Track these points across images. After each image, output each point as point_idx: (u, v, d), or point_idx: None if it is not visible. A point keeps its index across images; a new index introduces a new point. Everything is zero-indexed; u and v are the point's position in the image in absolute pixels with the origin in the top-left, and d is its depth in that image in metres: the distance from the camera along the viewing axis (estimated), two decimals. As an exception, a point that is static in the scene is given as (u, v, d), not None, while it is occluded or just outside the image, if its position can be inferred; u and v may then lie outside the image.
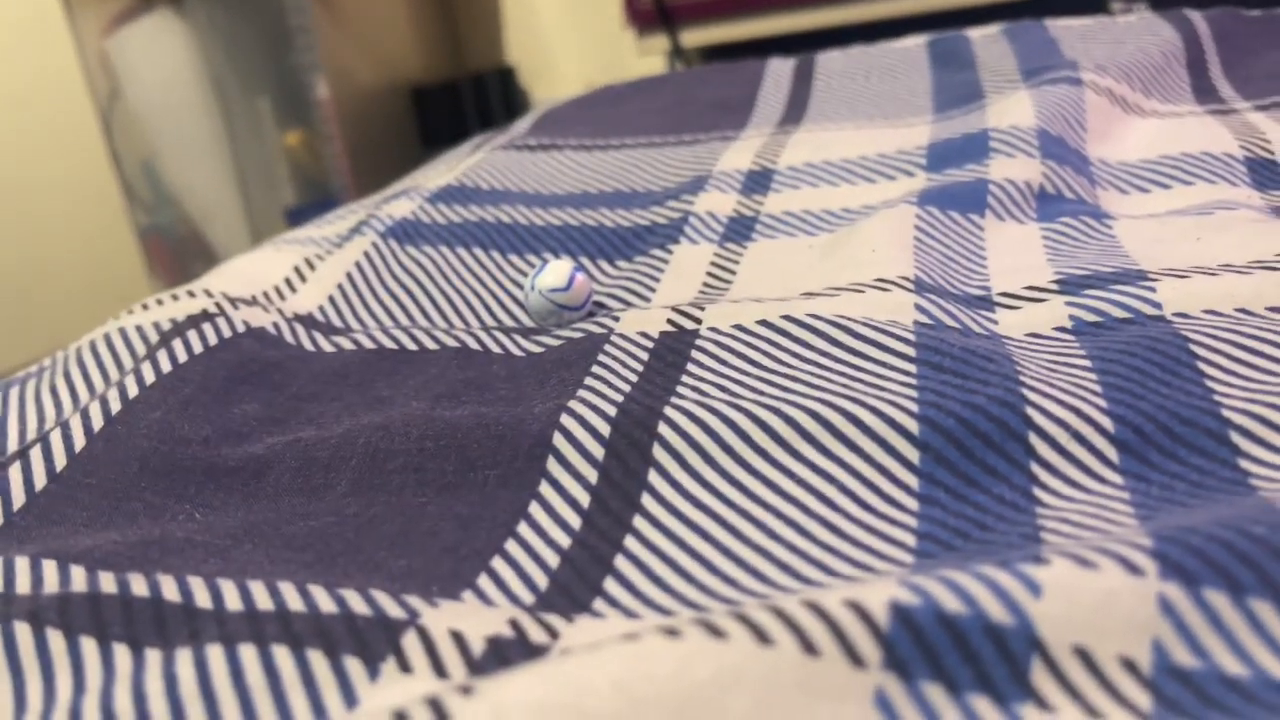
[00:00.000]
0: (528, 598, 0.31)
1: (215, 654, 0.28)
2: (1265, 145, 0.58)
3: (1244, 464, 0.32)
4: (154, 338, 0.48)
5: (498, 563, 0.33)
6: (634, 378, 0.41)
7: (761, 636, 0.24)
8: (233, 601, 0.30)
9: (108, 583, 0.32)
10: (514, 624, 0.29)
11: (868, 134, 0.70)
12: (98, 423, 0.41)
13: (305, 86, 1.80)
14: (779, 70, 0.92)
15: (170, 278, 1.86)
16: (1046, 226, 0.52)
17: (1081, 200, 0.56)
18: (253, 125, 1.84)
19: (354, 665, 0.27)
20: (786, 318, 0.43)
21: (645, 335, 0.44)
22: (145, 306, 0.51)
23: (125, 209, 1.83)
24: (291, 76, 1.81)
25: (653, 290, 0.53)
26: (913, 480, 0.33)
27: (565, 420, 0.38)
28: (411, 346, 0.48)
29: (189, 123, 1.80)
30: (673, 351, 0.43)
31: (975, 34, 0.89)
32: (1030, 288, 0.45)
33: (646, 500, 0.35)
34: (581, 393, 0.40)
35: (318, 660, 0.27)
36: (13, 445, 0.44)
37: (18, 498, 0.37)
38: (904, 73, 0.84)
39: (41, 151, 1.87)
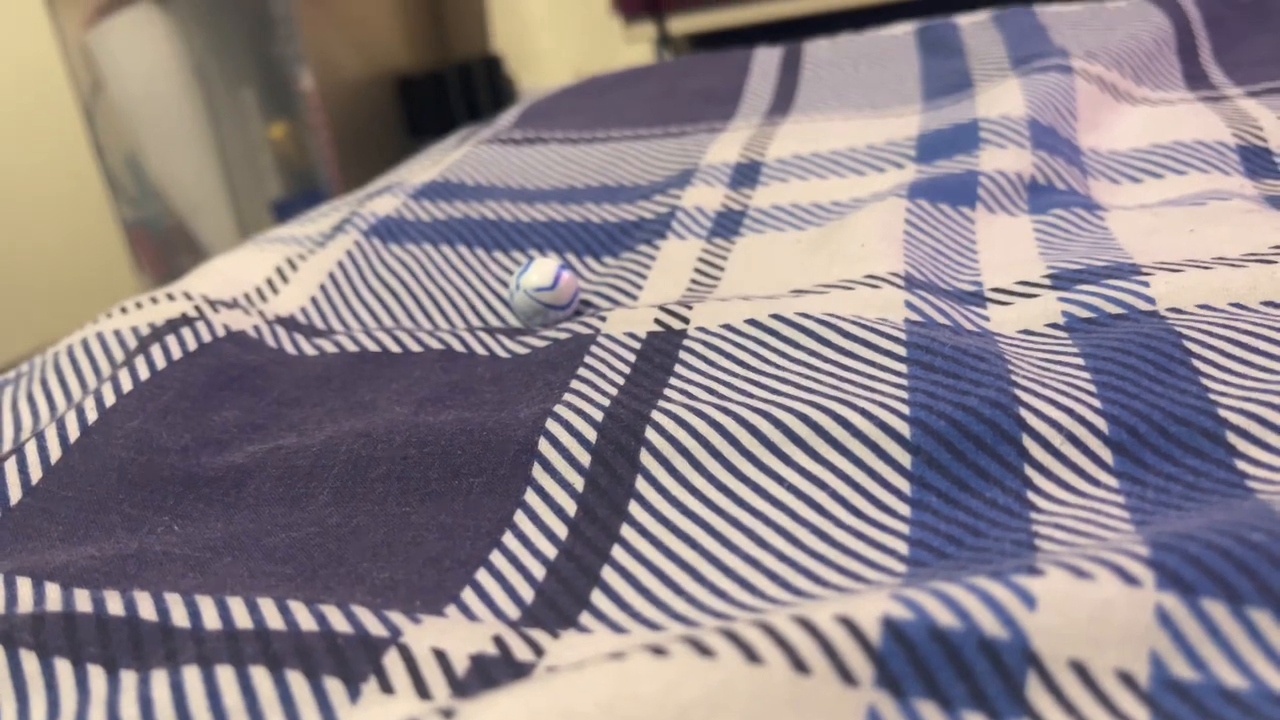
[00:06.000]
0: (513, 612, 0.30)
1: (192, 675, 0.27)
2: (1258, 133, 0.57)
3: (1240, 465, 0.31)
4: (132, 343, 0.47)
5: (482, 575, 0.32)
6: (621, 380, 0.41)
7: (751, 655, 0.23)
8: (210, 620, 0.30)
9: (83, 601, 0.31)
10: (498, 641, 0.28)
11: (856, 124, 0.70)
12: (74, 433, 0.40)
13: (289, 78, 1.79)
14: (766, 60, 0.91)
15: (156, 272, 1.84)
16: (1038, 219, 0.52)
17: (1073, 191, 0.55)
18: (237, 118, 1.82)
19: (334, 686, 0.27)
20: (775, 316, 0.42)
21: (632, 336, 0.44)
22: (124, 310, 0.50)
23: (110, 203, 1.81)
24: (275, 68, 1.80)
25: (640, 288, 0.52)
26: (904, 485, 0.33)
27: (551, 425, 0.37)
28: (395, 349, 0.47)
29: (173, 116, 1.78)
30: (660, 352, 0.42)
31: (964, 21, 0.89)
32: (1022, 283, 0.45)
33: (634, 508, 0.34)
34: (568, 397, 0.39)
35: (297, 681, 0.27)
36: (-12, 456, 0.43)
37: (-8, 512, 0.37)
38: (892, 61, 0.84)
39: (24, 147, 1.85)
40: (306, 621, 0.29)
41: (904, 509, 0.32)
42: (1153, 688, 0.23)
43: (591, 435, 0.36)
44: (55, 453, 0.39)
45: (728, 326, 0.42)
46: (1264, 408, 0.33)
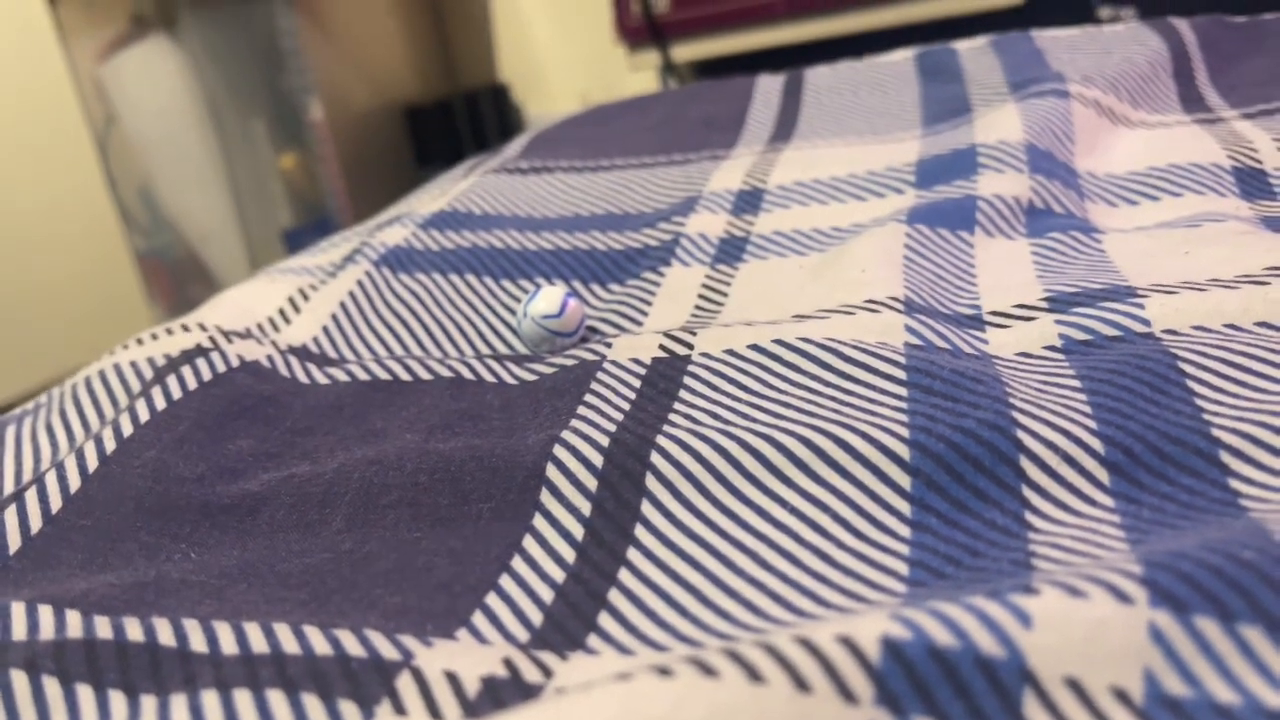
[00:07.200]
0: (522, 635, 0.31)
1: (210, 699, 0.28)
2: (1253, 154, 0.58)
3: (1234, 484, 0.32)
4: (148, 374, 0.48)
5: (492, 599, 0.33)
6: (626, 405, 0.42)
7: (753, 674, 0.24)
8: (228, 644, 0.30)
9: (103, 627, 0.32)
10: (508, 663, 0.29)
11: (857, 150, 0.71)
12: (92, 463, 0.41)
13: (299, 108, 1.81)
14: (768, 87, 0.92)
15: (169, 302, 1.86)
16: (1036, 242, 0.52)
17: (1070, 214, 0.56)
18: (248, 148, 1.85)
19: (348, 708, 0.27)
20: (778, 341, 0.43)
21: (637, 361, 0.45)
22: (140, 341, 0.51)
23: (123, 234, 1.83)
24: (285, 99, 1.82)
25: (645, 314, 0.53)
26: (904, 506, 0.33)
27: (558, 451, 0.38)
28: (405, 377, 0.48)
29: (185, 147, 1.80)
30: (665, 378, 0.43)
31: (963, 46, 0.90)
32: (1020, 306, 0.45)
33: (639, 531, 0.35)
34: (574, 422, 0.40)
35: (312, 703, 0.27)
36: (9, 487, 0.44)
37: (13, 541, 0.37)
38: (892, 87, 0.85)
39: (37, 178, 1.88)
40: (321, 645, 0.30)
41: (904, 530, 0.33)
42: (1147, 704, 0.24)
43: (598, 460, 0.37)
44: (74, 482, 0.40)
45: (731, 352, 0.43)
46: (1257, 427, 0.33)
